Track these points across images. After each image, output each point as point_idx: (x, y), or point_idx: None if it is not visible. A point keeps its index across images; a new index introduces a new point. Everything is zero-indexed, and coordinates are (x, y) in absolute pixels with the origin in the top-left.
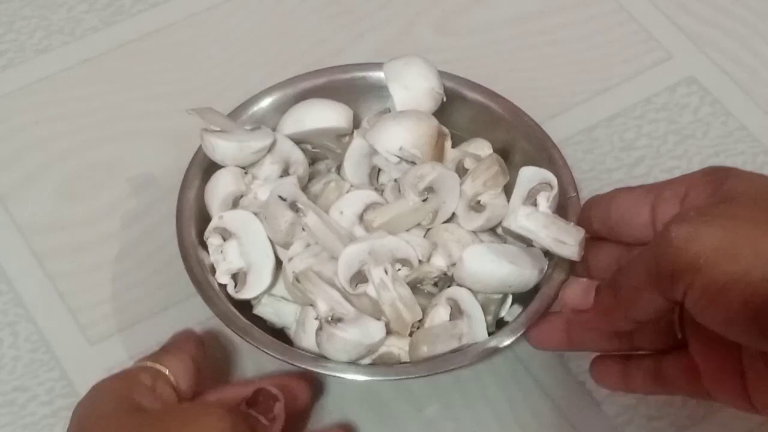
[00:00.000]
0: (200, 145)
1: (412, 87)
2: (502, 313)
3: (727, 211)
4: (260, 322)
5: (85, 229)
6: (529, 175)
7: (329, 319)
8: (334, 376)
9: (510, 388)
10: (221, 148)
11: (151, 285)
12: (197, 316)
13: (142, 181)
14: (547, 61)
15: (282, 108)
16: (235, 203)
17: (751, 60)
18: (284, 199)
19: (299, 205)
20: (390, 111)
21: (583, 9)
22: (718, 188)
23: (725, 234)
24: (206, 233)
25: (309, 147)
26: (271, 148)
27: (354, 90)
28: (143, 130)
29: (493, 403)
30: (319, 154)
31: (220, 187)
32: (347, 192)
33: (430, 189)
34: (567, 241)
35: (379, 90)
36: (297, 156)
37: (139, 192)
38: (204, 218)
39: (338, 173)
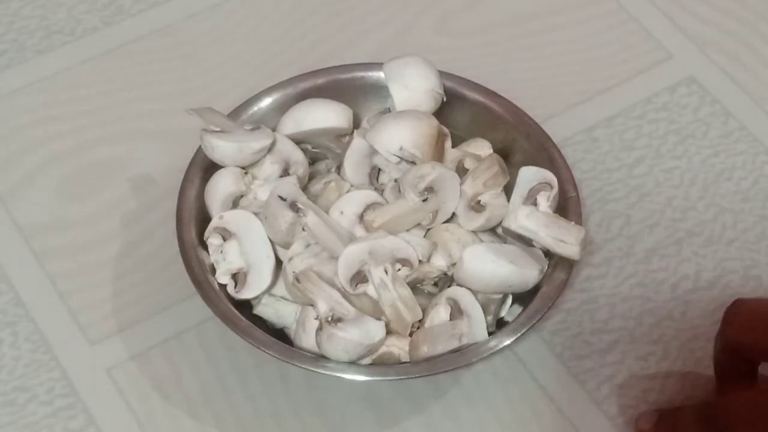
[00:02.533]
0: (200, 145)
1: (412, 87)
2: (502, 313)
3: None
4: (260, 322)
5: (85, 229)
6: (529, 175)
7: (329, 319)
8: (334, 376)
9: (510, 388)
10: (221, 148)
11: (151, 285)
12: (197, 316)
13: (142, 181)
14: (547, 61)
15: (282, 108)
16: (235, 203)
17: (751, 60)
18: (284, 199)
19: (299, 205)
20: (390, 111)
21: (583, 9)
22: None
23: None
24: (206, 233)
25: (309, 147)
26: (271, 149)
27: (354, 90)
28: (143, 130)
29: (493, 403)
30: (319, 154)
31: (220, 187)
32: (347, 192)
33: (430, 189)
34: (567, 240)
35: (379, 90)
36: (297, 156)
37: (139, 192)
38: (204, 218)
39: (338, 173)
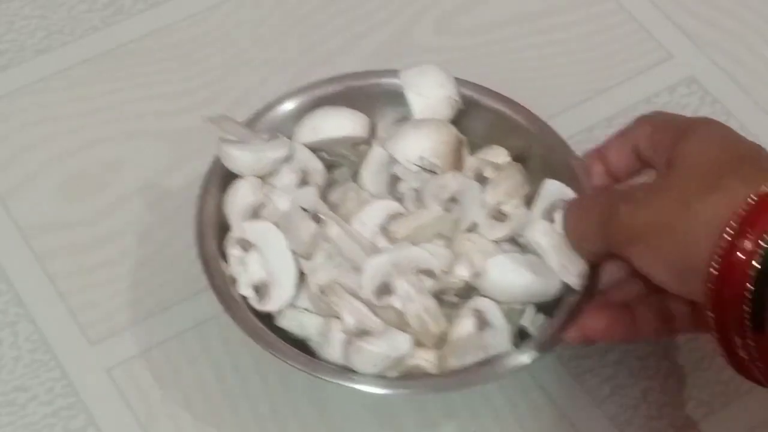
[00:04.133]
0: (217, 155)
1: (429, 95)
2: (525, 323)
3: (666, 187)
4: (278, 330)
5: (85, 229)
6: (552, 190)
7: (356, 331)
8: (362, 391)
9: (510, 387)
10: (238, 158)
11: (151, 285)
12: (197, 316)
13: (142, 181)
14: (547, 61)
15: (298, 116)
16: (255, 214)
17: (751, 60)
18: (306, 210)
19: (321, 216)
20: (407, 119)
21: (583, 9)
22: (673, 146)
23: (657, 215)
24: (226, 244)
25: (325, 155)
26: (288, 158)
27: (369, 97)
28: (143, 130)
29: (493, 402)
30: (335, 162)
31: (239, 197)
32: (367, 202)
33: (452, 199)
34: (570, 270)
35: (395, 97)
36: (315, 165)
37: (138, 192)
38: (223, 228)
39: (354, 181)
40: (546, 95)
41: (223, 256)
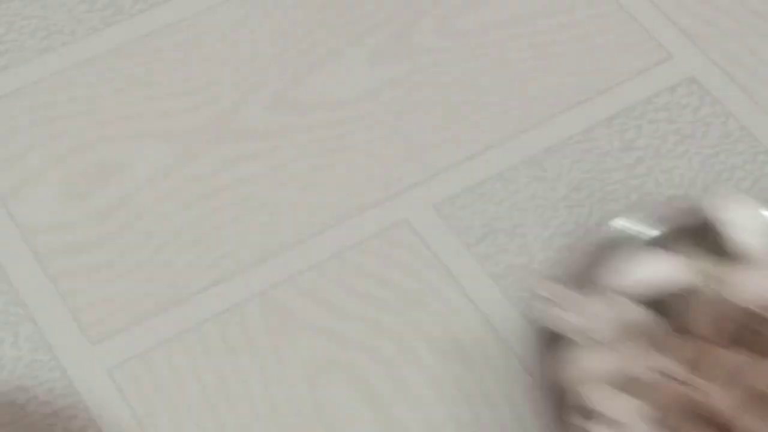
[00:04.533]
0: (535, 312)
1: (752, 228)
2: None
3: None
4: None
5: (85, 229)
6: None
7: None
8: None
9: (510, 387)
10: (570, 321)
11: (151, 285)
12: (197, 316)
13: (142, 181)
14: (547, 61)
15: (605, 262)
16: (605, 382)
17: (751, 60)
18: (666, 375)
19: (687, 381)
20: (728, 255)
21: (583, 9)
22: None
23: None
24: (568, 413)
25: (645, 305)
26: (616, 312)
27: (679, 235)
28: (143, 130)
29: (493, 402)
30: (657, 311)
31: (590, 368)
32: (719, 355)
33: None
34: None
35: (701, 232)
36: (645, 318)
37: (138, 192)
38: (557, 393)
39: (682, 332)
40: (546, 95)
41: (561, 423)
